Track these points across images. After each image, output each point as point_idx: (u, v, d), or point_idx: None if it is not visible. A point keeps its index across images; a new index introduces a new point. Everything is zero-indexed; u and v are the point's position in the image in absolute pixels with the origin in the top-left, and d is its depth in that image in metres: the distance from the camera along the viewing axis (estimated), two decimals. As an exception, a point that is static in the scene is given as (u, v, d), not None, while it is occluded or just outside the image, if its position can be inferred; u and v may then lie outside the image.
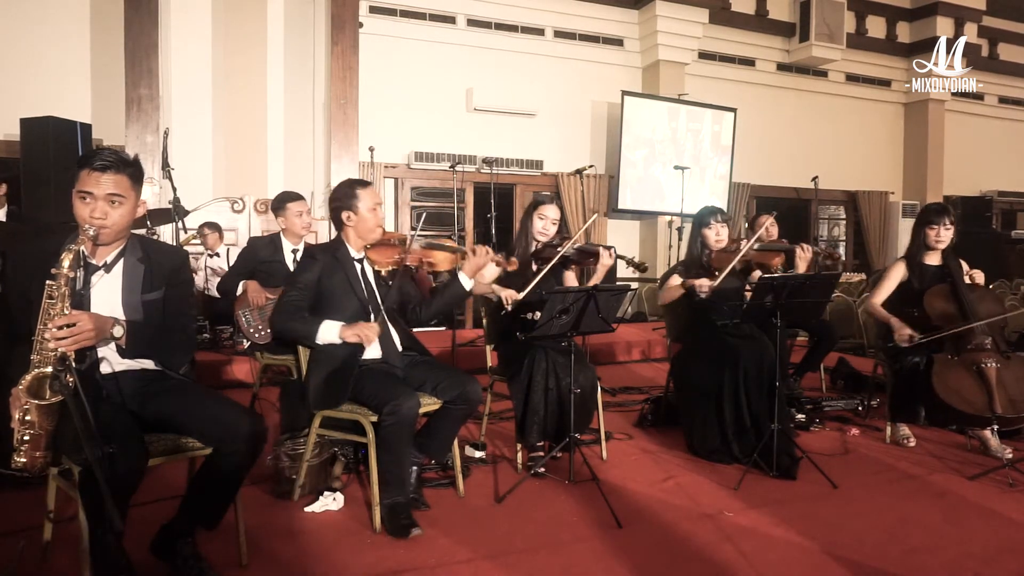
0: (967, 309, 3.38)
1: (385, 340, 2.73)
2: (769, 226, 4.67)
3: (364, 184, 2.79)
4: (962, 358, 3.35)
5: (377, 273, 2.79)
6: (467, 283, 2.78)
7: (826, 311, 4.85)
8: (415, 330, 2.98)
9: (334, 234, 2.90)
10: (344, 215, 2.74)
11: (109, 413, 1.90)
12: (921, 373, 3.38)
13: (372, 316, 2.72)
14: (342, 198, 2.74)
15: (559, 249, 3.21)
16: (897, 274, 3.67)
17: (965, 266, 3.62)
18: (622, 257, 3.34)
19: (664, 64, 8.81)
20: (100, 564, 1.83)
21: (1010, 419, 3.20)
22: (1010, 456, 3.14)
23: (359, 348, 2.65)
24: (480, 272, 2.83)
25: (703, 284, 3.30)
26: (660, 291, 3.71)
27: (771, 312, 3.13)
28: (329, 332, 2.59)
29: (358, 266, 2.77)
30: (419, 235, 2.74)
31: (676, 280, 3.60)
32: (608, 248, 3.25)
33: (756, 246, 3.48)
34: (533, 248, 3.36)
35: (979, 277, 3.57)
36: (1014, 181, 11.57)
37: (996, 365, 3.26)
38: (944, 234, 3.56)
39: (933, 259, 3.62)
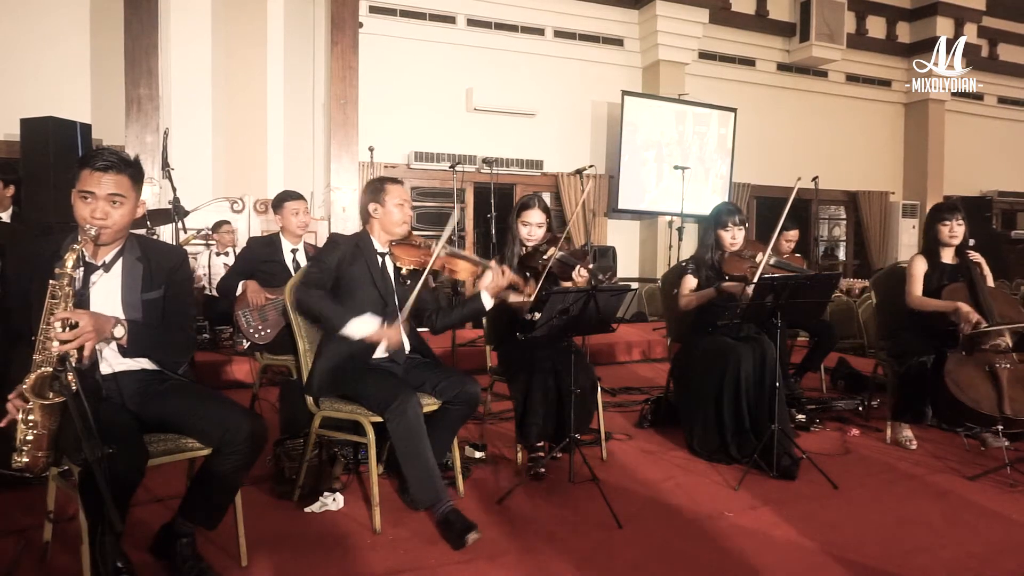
0: (985, 308, 3.38)
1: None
2: (790, 240, 4.76)
3: (394, 181, 2.83)
4: (975, 357, 3.35)
5: (397, 270, 2.81)
6: (487, 302, 2.80)
7: (826, 311, 4.85)
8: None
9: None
10: (371, 207, 2.78)
11: (109, 413, 1.90)
12: (929, 373, 3.39)
13: (387, 309, 2.73)
14: (371, 191, 2.79)
15: (545, 258, 3.17)
16: (920, 269, 3.67)
17: (984, 266, 3.62)
18: (595, 276, 3.26)
19: (664, 64, 8.81)
20: (100, 564, 1.83)
21: (1015, 421, 3.21)
22: (1007, 444, 3.15)
23: (372, 344, 2.66)
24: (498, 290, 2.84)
25: (741, 289, 3.25)
26: (679, 292, 3.60)
27: (771, 312, 3.12)
28: (360, 328, 2.55)
29: (380, 259, 2.79)
30: (446, 243, 2.76)
31: (690, 281, 3.56)
32: (587, 264, 3.16)
33: (772, 261, 3.45)
34: (523, 252, 3.32)
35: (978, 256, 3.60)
36: (1014, 181, 11.56)
37: (1009, 367, 3.28)
38: (957, 229, 3.59)
39: (948, 256, 3.65)
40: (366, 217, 2.82)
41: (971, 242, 3.66)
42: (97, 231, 1.92)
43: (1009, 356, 3.33)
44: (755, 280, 3.20)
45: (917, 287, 3.64)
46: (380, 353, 2.73)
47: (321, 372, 2.65)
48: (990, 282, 3.61)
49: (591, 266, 3.18)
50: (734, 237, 3.51)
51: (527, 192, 8.46)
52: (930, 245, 3.70)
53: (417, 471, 2.47)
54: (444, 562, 2.25)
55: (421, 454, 2.47)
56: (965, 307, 3.39)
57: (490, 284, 2.78)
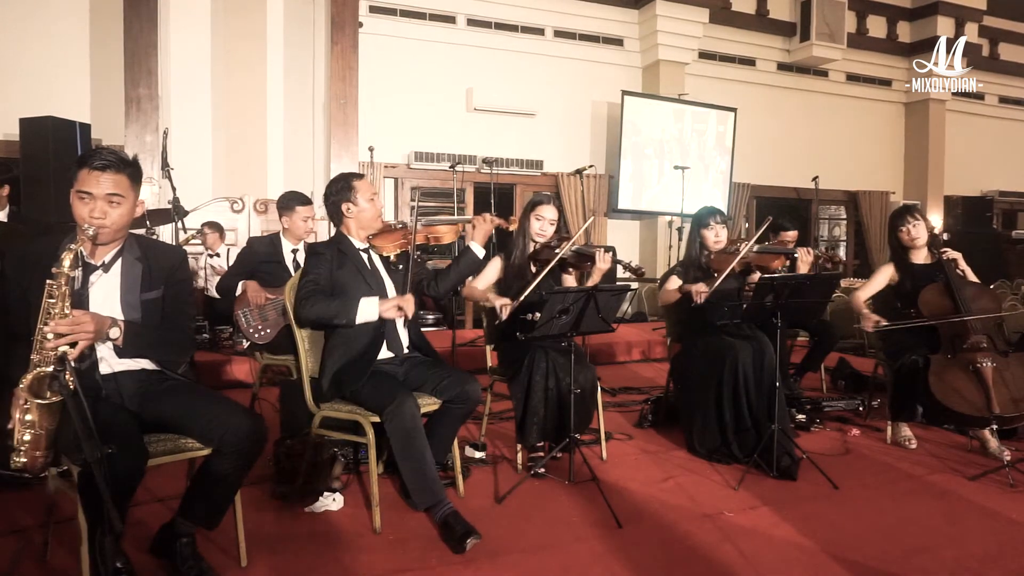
0: (961, 305, 3.37)
1: (391, 334, 2.75)
2: (788, 241, 4.76)
3: (358, 176, 2.83)
4: (958, 358, 3.34)
5: (385, 259, 2.81)
6: (479, 251, 2.81)
7: (826, 311, 4.85)
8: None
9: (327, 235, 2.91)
10: (344, 207, 2.76)
11: (109, 413, 1.90)
12: (920, 371, 3.38)
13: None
14: (339, 192, 2.76)
15: (556, 251, 3.19)
16: (884, 276, 3.70)
17: (961, 261, 3.59)
18: (619, 262, 3.32)
19: (664, 64, 8.81)
20: (100, 564, 1.83)
21: (1009, 418, 3.18)
22: (1008, 457, 3.14)
23: (379, 338, 2.67)
24: (483, 271, 2.85)
25: (699, 289, 3.31)
26: (659, 292, 3.72)
27: (771, 312, 3.12)
28: (368, 309, 2.56)
29: (364, 255, 2.78)
30: (419, 214, 2.78)
31: (675, 282, 3.60)
32: (607, 251, 3.21)
33: (756, 248, 3.47)
34: (531, 249, 3.35)
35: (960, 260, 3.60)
36: (1014, 181, 11.56)
37: (993, 364, 3.25)
38: (915, 231, 3.59)
39: (920, 257, 3.64)
40: (339, 219, 2.79)
41: (945, 237, 3.64)
42: (95, 231, 1.91)
43: (992, 354, 3.30)
44: (733, 263, 3.20)
45: (866, 291, 3.72)
46: (384, 355, 2.73)
47: (334, 374, 2.64)
48: (972, 277, 3.57)
49: (609, 253, 3.22)
50: (717, 235, 3.55)
51: (527, 192, 8.49)
52: (896, 252, 3.71)
53: (414, 472, 2.47)
54: (444, 562, 2.25)
55: (418, 455, 2.46)
56: (865, 312, 3.59)
57: (477, 233, 2.81)
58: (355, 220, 2.77)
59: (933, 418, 3.59)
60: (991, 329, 3.41)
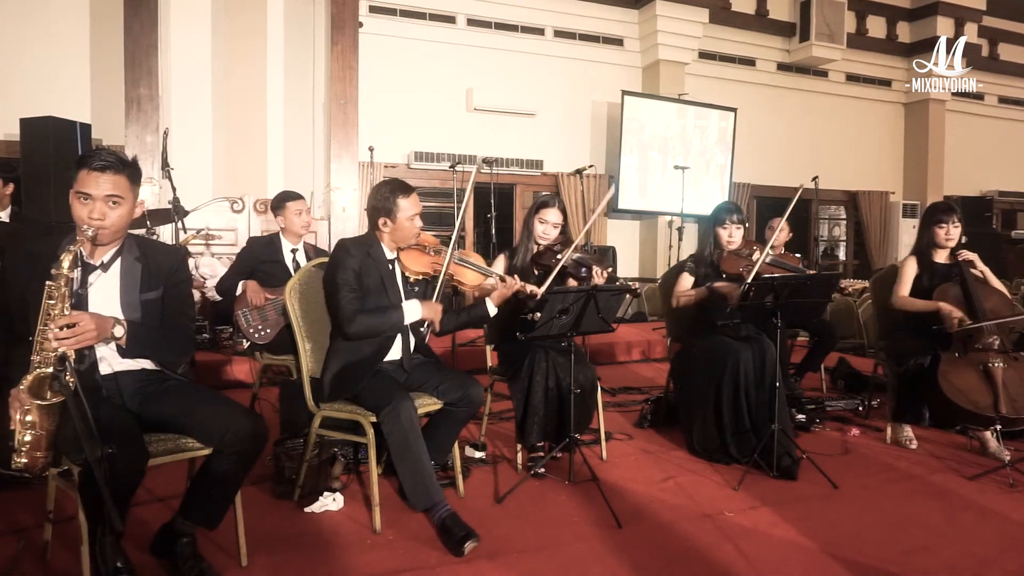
0: (976, 307, 3.37)
1: (405, 341, 2.75)
2: (782, 229, 4.72)
3: (407, 191, 2.70)
4: (969, 357, 3.34)
5: (406, 278, 2.79)
6: (492, 310, 2.82)
7: (826, 311, 4.85)
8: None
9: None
10: (380, 221, 2.69)
11: (109, 413, 1.90)
12: (925, 373, 3.38)
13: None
14: (381, 202, 2.68)
15: (559, 257, 3.18)
16: (912, 270, 3.66)
17: (979, 263, 3.56)
18: (616, 279, 3.31)
19: (664, 64, 8.81)
20: (100, 564, 1.83)
21: (1013, 419, 3.19)
22: (1008, 457, 3.13)
23: (384, 347, 2.68)
24: (503, 298, 2.85)
25: (732, 295, 3.23)
26: (674, 289, 3.63)
27: (771, 312, 3.12)
28: (413, 313, 2.67)
29: (390, 266, 2.76)
30: (454, 248, 2.78)
31: (687, 279, 3.57)
32: (606, 267, 3.19)
33: (768, 259, 3.45)
34: (535, 251, 3.34)
35: (982, 266, 3.56)
36: (1014, 181, 11.56)
37: (1003, 365, 3.25)
38: (953, 232, 3.57)
39: (942, 256, 3.63)
40: (375, 226, 2.74)
41: (963, 240, 3.63)
42: (95, 232, 1.91)
43: (1003, 355, 3.30)
44: (750, 279, 3.20)
45: (904, 288, 3.63)
46: (392, 356, 2.73)
47: (333, 377, 2.63)
48: (991, 277, 3.57)
49: (609, 269, 3.21)
50: (731, 235, 3.51)
51: (527, 192, 8.50)
52: (923, 247, 3.66)
53: (411, 474, 2.47)
54: (443, 562, 2.25)
55: (415, 456, 2.46)
56: (946, 306, 3.39)
57: (496, 293, 2.81)
58: (389, 235, 2.72)
59: (940, 420, 3.59)
60: (1003, 331, 3.41)
